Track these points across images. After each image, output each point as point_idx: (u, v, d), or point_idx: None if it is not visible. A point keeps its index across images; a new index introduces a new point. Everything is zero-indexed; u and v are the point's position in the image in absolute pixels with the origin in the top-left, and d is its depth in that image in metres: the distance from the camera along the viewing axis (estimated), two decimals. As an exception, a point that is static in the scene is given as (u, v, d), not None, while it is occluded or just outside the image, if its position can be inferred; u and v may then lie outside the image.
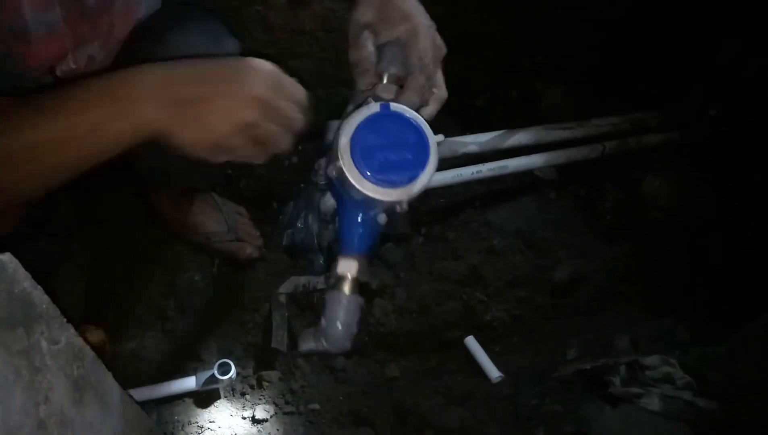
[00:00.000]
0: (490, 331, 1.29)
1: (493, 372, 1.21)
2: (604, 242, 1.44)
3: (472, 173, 1.41)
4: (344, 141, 0.60)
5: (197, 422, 1.10)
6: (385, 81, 0.65)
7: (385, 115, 0.62)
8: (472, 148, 1.43)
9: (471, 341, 1.27)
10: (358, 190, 0.61)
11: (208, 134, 0.57)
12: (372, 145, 0.61)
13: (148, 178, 1.18)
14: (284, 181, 1.51)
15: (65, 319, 0.55)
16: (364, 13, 0.66)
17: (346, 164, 0.60)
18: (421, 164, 0.61)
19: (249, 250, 1.30)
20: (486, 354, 1.24)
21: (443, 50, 0.69)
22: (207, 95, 0.57)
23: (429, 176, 0.61)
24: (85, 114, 0.56)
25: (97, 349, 1.05)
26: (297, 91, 0.62)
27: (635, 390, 1.11)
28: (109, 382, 0.66)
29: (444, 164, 1.49)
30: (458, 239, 1.44)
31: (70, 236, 1.15)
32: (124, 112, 0.56)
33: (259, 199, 1.49)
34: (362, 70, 0.66)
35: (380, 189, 0.60)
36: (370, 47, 0.66)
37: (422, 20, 0.66)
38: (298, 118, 0.61)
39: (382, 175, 0.60)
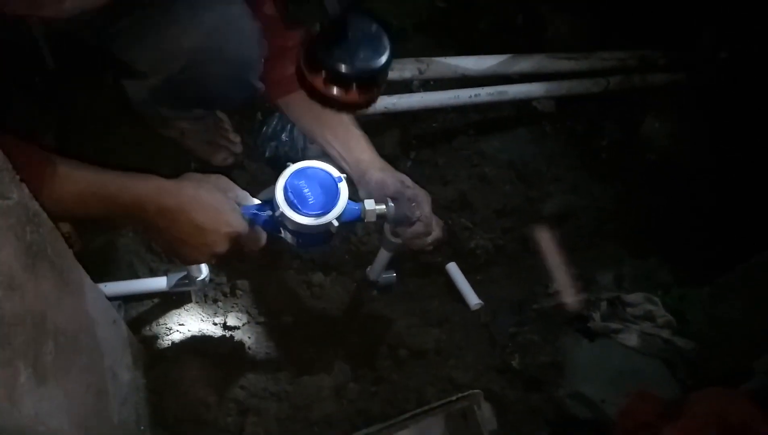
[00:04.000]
0: (473, 259, 1.26)
1: (473, 299, 1.19)
2: (597, 180, 1.40)
3: (470, 96, 1.35)
4: (279, 191, 0.83)
5: (165, 323, 1.06)
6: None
7: (304, 169, 0.85)
8: (472, 71, 1.37)
9: (452, 267, 1.24)
10: (294, 223, 0.82)
11: (177, 256, 0.81)
12: (299, 191, 0.83)
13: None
14: (271, 90, 1.43)
15: (18, 177, 0.49)
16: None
17: (282, 207, 0.82)
18: (335, 200, 0.84)
19: (223, 156, 1.23)
20: (467, 281, 1.22)
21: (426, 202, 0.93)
22: (184, 242, 0.78)
23: (342, 207, 0.84)
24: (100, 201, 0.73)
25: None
26: (254, 241, 0.85)
27: (614, 325, 1.10)
28: (69, 259, 0.62)
29: (441, 84, 1.43)
30: (448, 165, 1.39)
31: (35, 117, 1.07)
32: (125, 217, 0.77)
33: (243, 108, 1.42)
34: None
35: (310, 219, 0.82)
36: None
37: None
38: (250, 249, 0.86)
39: (309, 210, 0.82)
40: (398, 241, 0.99)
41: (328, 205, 0.83)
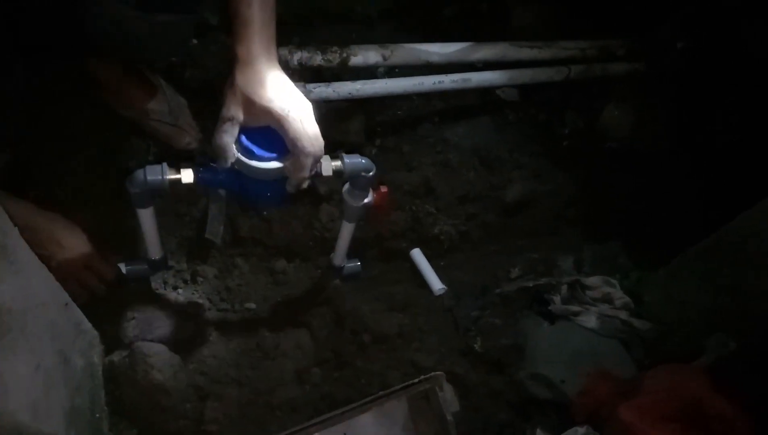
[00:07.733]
0: (437, 245, 1.27)
1: (436, 284, 1.20)
2: (558, 167, 1.42)
3: (434, 83, 1.35)
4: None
5: (123, 311, 1.03)
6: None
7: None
8: (436, 58, 1.37)
9: (416, 253, 1.24)
10: (249, 168, 0.81)
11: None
12: (253, 138, 0.81)
13: (94, 45, 1.06)
14: (233, 76, 1.40)
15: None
16: (228, 109, 0.78)
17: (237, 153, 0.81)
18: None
19: (188, 139, 1.21)
20: (430, 266, 1.22)
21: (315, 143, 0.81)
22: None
23: None
24: None
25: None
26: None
27: (574, 308, 1.12)
28: (14, 237, 0.59)
29: (406, 72, 1.43)
30: (413, 152, 1.39)
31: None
32: None
33: (204, 92, 1.39)
34: (221, 156, 0.80)
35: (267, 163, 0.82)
36: (229, 139, 0.79)
37: (285, 111, 0.78)
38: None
39: (263, 153, 0.81)
40: (359, 204, 0.97)
41: (284, 149, 0.82)
